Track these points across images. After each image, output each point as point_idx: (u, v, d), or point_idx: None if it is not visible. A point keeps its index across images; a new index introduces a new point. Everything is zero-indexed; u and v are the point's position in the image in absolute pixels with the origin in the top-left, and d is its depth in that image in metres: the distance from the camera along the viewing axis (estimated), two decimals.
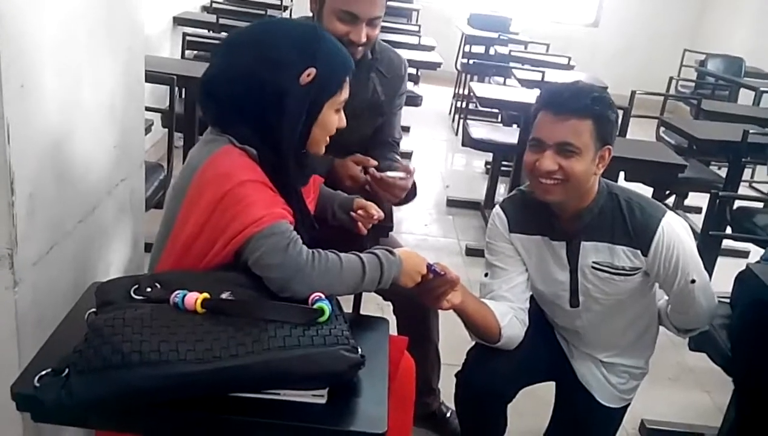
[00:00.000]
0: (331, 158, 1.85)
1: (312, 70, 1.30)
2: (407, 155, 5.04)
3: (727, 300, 2.09)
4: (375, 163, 1.87)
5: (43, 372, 1.04)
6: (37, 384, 1.03)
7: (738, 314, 2.01)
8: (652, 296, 1.81)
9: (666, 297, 1.81)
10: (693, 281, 1.66)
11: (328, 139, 1.41)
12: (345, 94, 1.39)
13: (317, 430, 1.10)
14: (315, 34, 1.36)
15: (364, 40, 1.79)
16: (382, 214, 1.64)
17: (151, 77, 2.52)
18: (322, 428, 1.09)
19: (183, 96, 3.40)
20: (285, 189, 1.33)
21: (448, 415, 2.25)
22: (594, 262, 1.70)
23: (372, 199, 1.69)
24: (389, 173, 1.80)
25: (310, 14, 1.86)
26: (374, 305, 2.11)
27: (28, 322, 1.32)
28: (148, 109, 2.54)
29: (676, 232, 1.65)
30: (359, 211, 1.63)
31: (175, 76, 2.75)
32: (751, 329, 1.87)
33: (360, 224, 1.64)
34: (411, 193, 1.89)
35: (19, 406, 1.05)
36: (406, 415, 1.53)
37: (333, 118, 1.39)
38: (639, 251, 1.66)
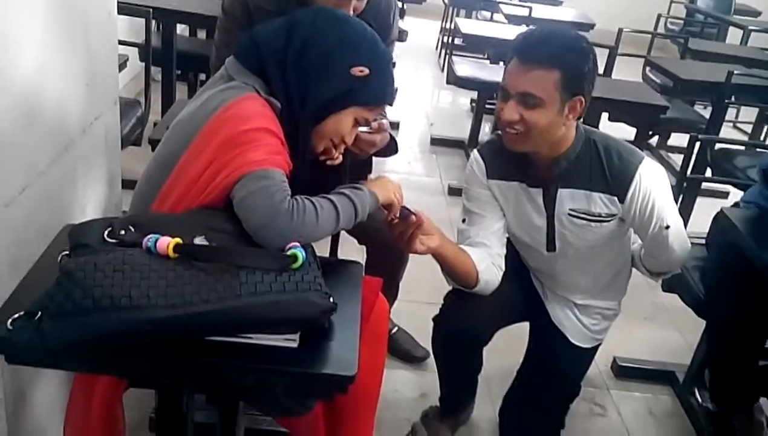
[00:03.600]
0: None
1: (366, 71, 1.36)
2: None
3: (703, 242, 2.13)
4: None
5: (16, 315, 1.04)
6: (10, 327, 1.03)
7: (712, 258, 2.05)
8: (627, 241, 1.83)
9: (640, 241, 1.83)
10: (667, 227, 1.67)
11: (330, 143, 1.43)
12: (372, 115, 1.46)
13: (288, 372, 1.11)
14: (385, 50, 1.45)
15: (352, 13, 1.72)
16: (336, 158, 1.58)
17: (126, 10, 2.45)
18: (293, 371, 1.11)
19: (160, 29, 3.32)
20: (296, 143, 1.36)
21: (394, 331, 2.38)
22: (571, 209, 1.70)
23: (347, 151, 1.67)
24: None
25: None
26: (354, 247, 2.12)
27: (1, 264, 1.31)
28: (124, 43, 2.49)
29: (652, 178, 1.65)
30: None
31: (150, 9, 2.68)
32: (725, 272, 1.92)
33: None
34: (391, 148, 1.87)
35: None
36: (379, 354, 1.56)
37: (348, 124, 1.42)
38: (616, 198, 1.67)
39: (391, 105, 1.48)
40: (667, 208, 1.68)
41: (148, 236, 1.15)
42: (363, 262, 2.01)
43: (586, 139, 1.68)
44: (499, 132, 1.70)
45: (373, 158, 1.92)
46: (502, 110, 1.59)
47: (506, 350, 2.04)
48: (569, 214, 1.71)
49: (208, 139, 1.27)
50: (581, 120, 1.67)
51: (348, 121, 1.42)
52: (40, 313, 1.04)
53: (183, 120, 1.37)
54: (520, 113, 1.56)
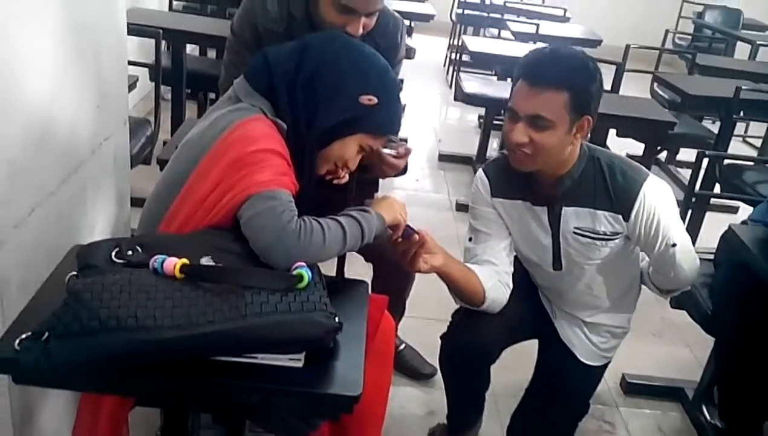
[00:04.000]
0: None
1: (374, 100, 1.38)
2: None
3: (711, 258, 2.12)
4: None
5: (23, 336, 1.05)
6: (18, 347, 1.04)
7: (720, 275, 2.04)
8: (635, 258, 1.83)
9: (648, 259, 1.82)
10: (674, 245, 1.66)
11: (333, 166, 1.45)
12: (376, 143, 1.47)
13: (293, 392, 1.11)
14: (396, 82, 1.47)
15: (360, 32, 1.72)
16: (343, 177, 1.60)
17: (136, 31, 2.49)
18: (298, 391, 1.11)
19: (170, 49, 3.36)
20: (300, 170, 1.37)
21: (401, 348, 2.37)
22: (576, 227, 1.70)
23: (361, 167, 1.68)
24: (384, 150, 1.79)
25: None
26: (360, 264, 2.12)
27: (11, 284, 1.32)
28: (134, 63, 2.52)
29: (657, 196, 1.65)
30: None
31: (160, 30, 2.71)
32: (733, 289, 1.91)
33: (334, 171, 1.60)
34: (402, 170, 1.88)
35: (0, 368, 1.07)
36: (385, 372, 1.56)
37: (353, 150, 1.44)
38: (620, 216, 1.66)
39: (396, 135, 1.48)
40: (673, 226, 1.67)
41: (155, 257, 1.16)
42: (369, 279, 2.02)
43: (590, 158, 1.68)
44: (505, 151, 1.70)
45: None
46: (511, 132, 1.59)
47: (514, 368, 2.04)
48: (574, 233, 1.71)
49: (215, 160, 1.28)
50: (586, 139, 1.68)
51: (353, 147, 1.43)
52: (47, 333, 1.04)
53: (191, 140, 1.38)
54: (530, 135, 1.57)
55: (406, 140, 4.33)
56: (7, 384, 1.34)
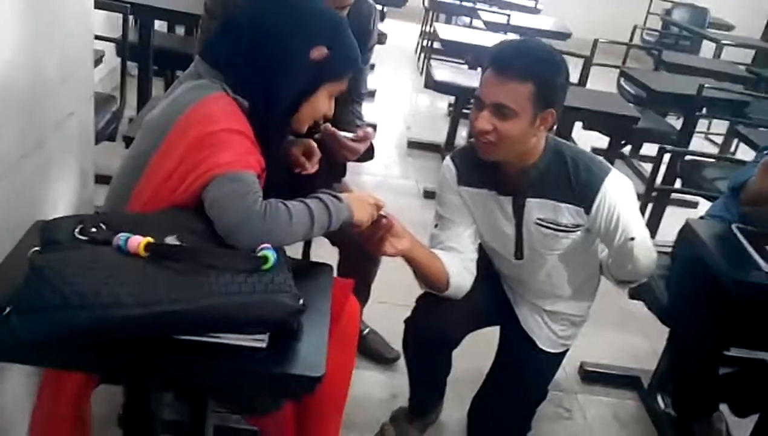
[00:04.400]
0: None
1: (324, 50, 1.35)
2: (370, 94, 5.00)
3: (670, 251, 2.18)
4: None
5: None
6: None
7: (677, 268, 2.09)
8: (594, 250, 1.86)
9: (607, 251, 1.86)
10: (632, 239, 1.69)
11: (312, 122, 1.44)
12: (342, 87, 1.44)
13: (256, 372, 1.12)
14: (341, 22, 1.43)
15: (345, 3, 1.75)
16: (312, 166, 1.62)
17: (103, 4, 2.45)
18: (261, 371, 1.12)
19: (137, 24, 3.30)
20: (266, 141, 1.36)
21: (365, 332, 2.40)
22: (538, 218, 1.73)
23: (325, 153, 1.68)
24: (342, 133, 1.79)
25: None
26: (326, 248, 2.13)
27: None
28: (101, 38, 2.48)
29: (618, 191, 1.68)
30: (297, 150, 1.62)
31: (128, 4, 2.67)
32: (689, 282, 1.97)
33: (299, 162, 1.62)
34: (368, 154, 1.89)
35: None
36: (349, 354, 1.58)
37: (324, 103, 1.43)
38: (582, 209, 1.69)
39: (360, 69, 1.45)
40: (632, 220, 1.70)
41: (119, 235, 1.15)
42: (335, 263, 2.03)
43: (555, 151, 1.71)
44: (473, 140, 1.72)
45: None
46: (476, 119, 1.61)
47: (475, 354, 2.07)
48: (537, 224, 1.74)
49: (177, 139, 1.27)
50: (551, 132, 1.70)
51: (323, 100, 1.42)
52: (8, 309, 1.04)
53: (154, 118, 1.37)
54: (494, 123, 1.59)
55: (375, 127, 4.35)
56: None
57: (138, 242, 1.13)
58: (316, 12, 1.39)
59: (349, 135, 1.80)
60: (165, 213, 1.26)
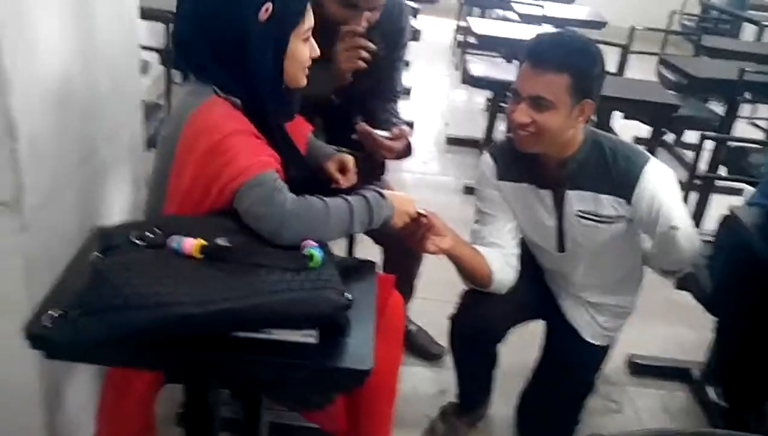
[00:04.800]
0: (328, 64, 1.81)
1: (269, 5, 1.31)
2: (406, 92, 5.03)
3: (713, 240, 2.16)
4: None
5: (53, 313, 1.10)
6: (49, 325, 1.09)
7: (721, 256, 2.07)
8: (637, 240, 1.86)
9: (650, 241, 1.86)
10: (675, 228, 1.69)
11: (306, 69, 1.42)
12: (309, 22, 1.39)
13: (307, 366, 1.16)
14: None
15: (365, 26, 1.76)
16: (347, 181, 1.63)
17: (147, 15, 2.52)
18: (312, 365, 1.16)
19: None
20: (269, 131, 1.37)
21: (411, 329, 2.41)
22: (579, 210, 1.74)
23: (363, 151, 1.71)
24: (377, 132, 1.81)
25: None
26: (370, 246, 2.16)
27: (37, 263, 1.38)
28: (146, 48, 2.56)
29: (658, 180, 1.68)
30: (331, 165, 1.64)
31: (171, 13, 2.73)
32: (733, 271, 1.94)
33: (334, 178, 1.64)
34: (405, 151, 1.91)
35: (32, 345, 1.12)
36: (396, 348, 1.61)
37: (303, 49, 1.40)
38: (623, 200, 1.70)
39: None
40: (674, 208, 1.70)
41: (173, 238, 1.20)
42: (380, 261, 2.06)
43: (593, 142, 1.71)
44: (510, 134, 1.74)
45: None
46: (513, 112, 1.63)
47: (522, 348, 2.08)
48: (578, 216, 1.74)
49: (187, 153, 1.29)
50: (589, 122, 1.71)
51: (300, 48, 1.39)
52: (75, 311, 1.10)
53: (163, 133, 1.39)
54: (531, 116, 1.60)
55: (411, 124, 4.37)
56: (35, 362, 1.40)
57: (191, 244, 1.18)
58: None
59: (386, 134, 1.83)
60: (212, 217, 1.30)
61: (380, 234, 2.00)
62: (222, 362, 1.17)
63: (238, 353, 1.15)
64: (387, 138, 1.82)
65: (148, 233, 1.24)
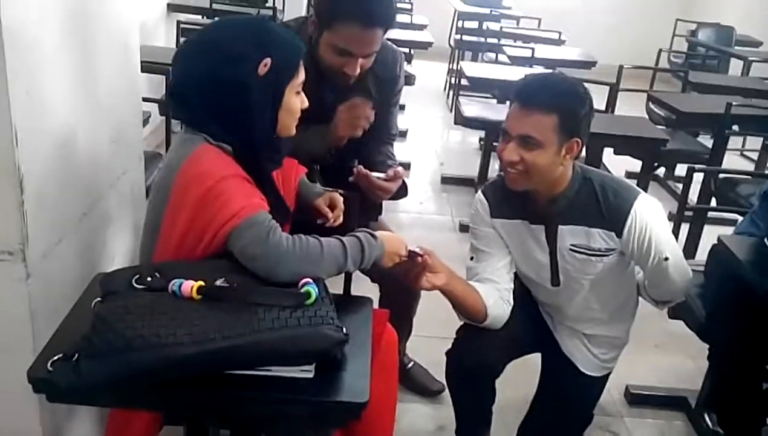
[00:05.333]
0: (325, 127, 1.90)
1: (268, 60, 1.37)
2: (402, 134, 5.12)
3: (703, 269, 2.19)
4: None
5: (55, 357, 1.14)
6: (51, 368, 1.13)
7: (711, 285, 2.11)
8: (630, 272, 1.89)
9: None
10: (666, 259, 1.73)
11: (296, 120, 1.48)
12: (302, 76, 1.46)
13: (305, 401, 1.20)
14: (265, 26, 1.43)
15: (358, 72, 1.83)
16: (335, 219, 1.68)
17: (147, 68, 2.60)
18: (310, 400, 1.19)
19: None
20: (260, 177, 1.42)
21: (410, 366, 2.43)
22: (571, 244, 1.78)
23: (359, 193, 1.77)
24: (373, 174, 1.87)
25: (303, 15, 1.90)
26: (367, 285, 2.20)
27: (40, 311, 1.41)
28: (146, 100, 2.63)
29: (648, 213, 1.72)
30: (321, 202, 1.69)
31: (169, 66, 2.81)
32: (723, 299, 1.97)
33: (323, 212, 1.68)
34: (401, 192, 1.96)
35: (34, 388, 1.15)
36: (391, 383, 1.63)
37: (296, 101, 1.46)
38: (613, 233, 1.74)
39: (304, 51, 1.46)
40: (664, 240, 1.74)
41: (173, 281, 1.25)
42: (377, 298, 2.10)
43: (583, 178, 1.76)
44: (502, 173, 1.79)
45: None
46: (503, 151, 1.69)
47: (519, 382, 2.10)
48: (570, 250, 1.78)
49: (180, 200, 1.33)
50: (578, 160, 1.76)
51: (293, 100, 1.45)
52: (77, 355, 1.13)
53: (157, 181, 1.44)
54: (520, 154, 1.65)
55: (408, 165, 4.44)
56: (37, 407, 1.43)
57: (191, 286, 1.23)
58: (243, 35, 1.39)
59: (381, 175, 1.88)
60: (209, 260, 1.34)
61: (377, 272, 2.04)
62: (220, 399, 1.20)
63: (236, 390, 1.19)
64: (383, 179, 1.87)
65: (149, 278, 1.28)
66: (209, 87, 1.36)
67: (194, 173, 1.33)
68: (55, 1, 1.44)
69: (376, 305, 1.89)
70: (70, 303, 1.39)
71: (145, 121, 2.97)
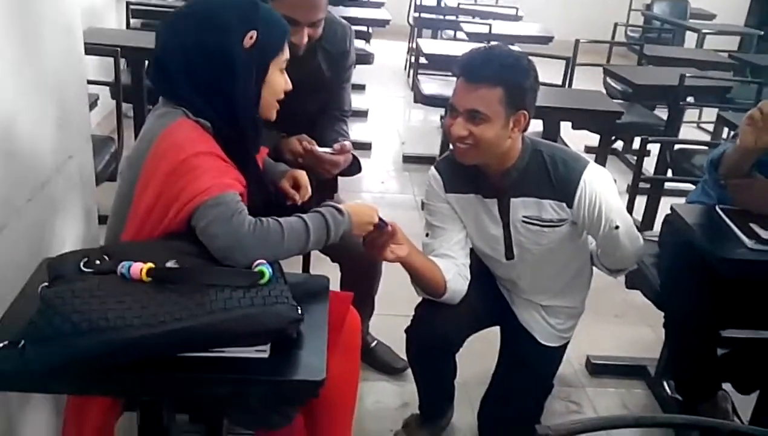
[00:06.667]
0: (278, 133, 1.90)
1: (253, 33, 1.36)
2: (363, 114, 5.09)
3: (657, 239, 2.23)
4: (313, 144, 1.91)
5: (0, 344, 1.11)
6: None
7: (665, 254, 2.14)
8: (583, 242, 1.92)
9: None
10: (617, 227, 1.75)
11: (277, 103, 1.47)
12: (286, 54, 1.46)
13: (261, 381, 1.18)
14: (252, 1, 1.42)
15: (305, 41, 1.82)
16: (301, 197, 1.67)
17: (94, 50, 2.54)
18: (266, 379, 1.18)
19: (129, 66, 3.40)
20: (240, 158, 1.40)
21: (373, 345, 2.45)
22: (524, 216, 1.79)
23: (308, 171, 1.75)
24: (320, 149, 1.86)
25: None
26: (327, 264, 2.19)
27: None
28: (94, 82, 2.56)
29: (597, 183, 1.74)
30: (285, 183, 1.67)
31: (118, 48, 2.76)
32: (677, 267, 2.01)
33: (289, 194, 1.67)
34: (354, 168, 1.95)
35: None
36: (354, 364, 1.63)
37: (279, 80, 1.45)
38: (564, 204, 1.76)
39: (287, 29, 1.47)
40: (614, 209, 1.76)
41: (122, 263, 1.22)
42: (337, 279, 2.09)
43: (533, 150, 1.77)
44: (451, 147, 1.79)
45: (339, 178, 2.01)
46: (452, 126, 1.69)
47: (480, 356, 2.12)
48: (523, 222, 1.80)
49: (151, 173, 1.32)
50: (526, 132, 1.76)
51: (276, 78, 1.45)
52: (23, 341, 1.10)
53: (131, 156, 1.41)
54: (468, 128, 1.66)
55: (369, 145, 4.42)
56: None
57: (140, 268, 1.20)
58: (230, 7, 1.38)
59: (327, 149, 1.87)
60: (162, 240, 1.32)
61: (337, 252, 2.03)
62: (174, 382, 1.19)
63: (191, 372, 1.17)
64: (329, 153, 1.86)
65: (98, 261, 1.25)
66: (194, 55, 1.35)
67: (168, 146, 1.31)
68: None
69: (337, 286, 1.90)
70: (17, 289, 1.34)
71: (93, 105, 2.90)
